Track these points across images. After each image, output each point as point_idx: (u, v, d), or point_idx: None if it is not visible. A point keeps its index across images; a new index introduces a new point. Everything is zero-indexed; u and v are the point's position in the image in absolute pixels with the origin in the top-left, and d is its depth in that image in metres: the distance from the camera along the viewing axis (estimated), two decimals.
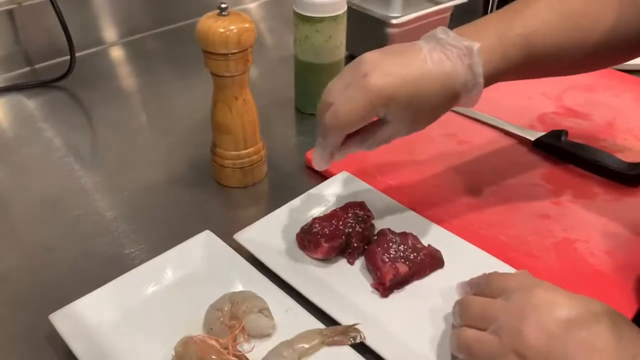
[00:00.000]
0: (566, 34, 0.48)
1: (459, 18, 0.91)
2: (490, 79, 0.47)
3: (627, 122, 0.73)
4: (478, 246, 0.53)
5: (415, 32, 0.83)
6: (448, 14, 0.87)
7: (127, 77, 0.87)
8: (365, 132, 0.49)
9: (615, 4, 0.49)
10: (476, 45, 0.46)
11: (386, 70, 0.45)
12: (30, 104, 0.78)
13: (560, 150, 0.66)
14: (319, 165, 0.50)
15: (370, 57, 0.46)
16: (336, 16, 0.68)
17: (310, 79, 0.73)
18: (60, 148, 0.70)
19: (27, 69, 0.85)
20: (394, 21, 0.79)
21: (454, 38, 0.46)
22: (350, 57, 0.84)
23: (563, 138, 0.67)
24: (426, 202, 0.60)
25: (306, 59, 0.71)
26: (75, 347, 0.43)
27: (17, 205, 0.61)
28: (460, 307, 0.44)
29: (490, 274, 0.45)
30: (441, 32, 0.47)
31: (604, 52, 0.51)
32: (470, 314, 0.43)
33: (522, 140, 0.69)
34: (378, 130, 0.48)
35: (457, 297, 0.47)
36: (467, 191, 0.62)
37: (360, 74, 0.45)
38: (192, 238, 0.53)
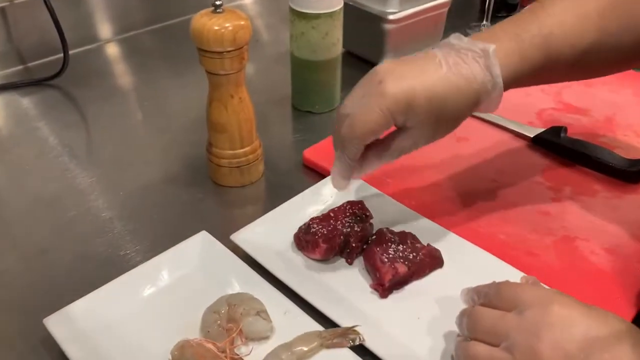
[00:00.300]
0: (583, 35, 0.48)
1: (456, 13, 0.91)
2: (510, 82, 0.46)
3: (626, 118, 0.73)
4: (477, 245, 0.53)
5: (412, 27, 0.82)
6: (445, 10, 0.86)
7: (121, 74, 0.86)
8: (384, 141, 0.48)
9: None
10: (492, 47, 0.45)
11: (401, 75, 0.44)
12: (24, 102, 0.78)
13: (559, 147, 0.66)
14: (339, 183, 0.50)
15: (384, 66, 0.46)
16: (332, 12, 0.67)
17: (306, 76, 0.73)
18: (55, 147, 0.69)
19: (21, 67, 0.84)
20: (391, 17, 0.78)
21: (468, 42, 0.46)
22: (346, 54, 0.85)
23: (562, 135, 0.66)
24: (424, 200, 0.59)
25: (302, 56, 0.71)
26: (70, 351, 0.43)
27: (12, 205, 0.60)
28: (469, 320, 0.42)
29: (500, 283, 0.43)
30: (454, 38, 0.47)
31: (623, 55, 0.50)
32: (480, 328, 0.41)
33: (521, 137, 0.69)
34: (397, 139, 0.47)
35: (457, 297, 0.46)
36: (465, 189, 0.61)
37: (375, 82, 0.45)
38: (188, 239, 0.52)
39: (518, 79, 0.47)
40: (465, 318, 0.43)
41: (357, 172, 0.49)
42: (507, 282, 0.43)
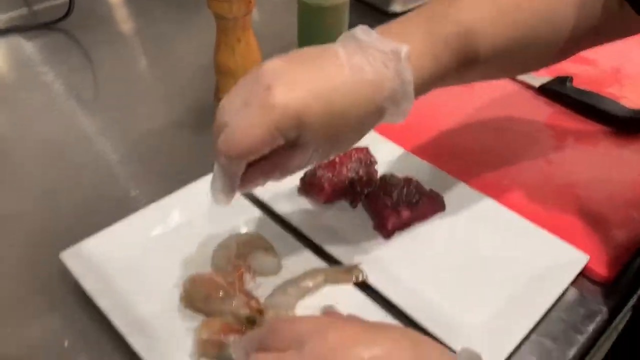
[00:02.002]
0: (505, 30, 0.41)
1: None
2: (422, 87, 0.40)
3: (633, 69, 0.73)
4: (480, 190, 0.54)
5: None
6: None
7: (127, 18, 0.86)
8: (271, 158, 0.39)
9: None
10: (404, 49, 0.38)
11: (293, 81, 0.37)
12: (28, 46, 0.77)
13: (564, 96, 0.66)
14: (218, 198, 0.40)
15: (273, 67, 0.37)
16: None
17: (314, 22, 0.72)
18: (61, 92, 0.69)
19: (25, 9, 0.83)
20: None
21: (377, 39, 0.38)
22: (355, 1, 0.83)
23: (568, 84, 0.66)
24: (428, 146, 0.60)
25: (309, 1, 0.70)
26: (86, 284, 0.44)
27: (20, 150, 0.61)
28: None
29: (271, 323, 0.39)
30: (361, 32, 0.39)
31: (549, 49, 0.45)
32: None
33: (527, 86, 0.69)
34: (287, 156, 0.39)
35: (458, 239, 0.47)
36: (470, 137, 0.62)
37: (261, 88, 0.36)
38: (197, 180, 0.53)
39: (432, 83, 0.41)
40: None
41: (240, 188, 0.40)
42: (278, 320, 0.39)
